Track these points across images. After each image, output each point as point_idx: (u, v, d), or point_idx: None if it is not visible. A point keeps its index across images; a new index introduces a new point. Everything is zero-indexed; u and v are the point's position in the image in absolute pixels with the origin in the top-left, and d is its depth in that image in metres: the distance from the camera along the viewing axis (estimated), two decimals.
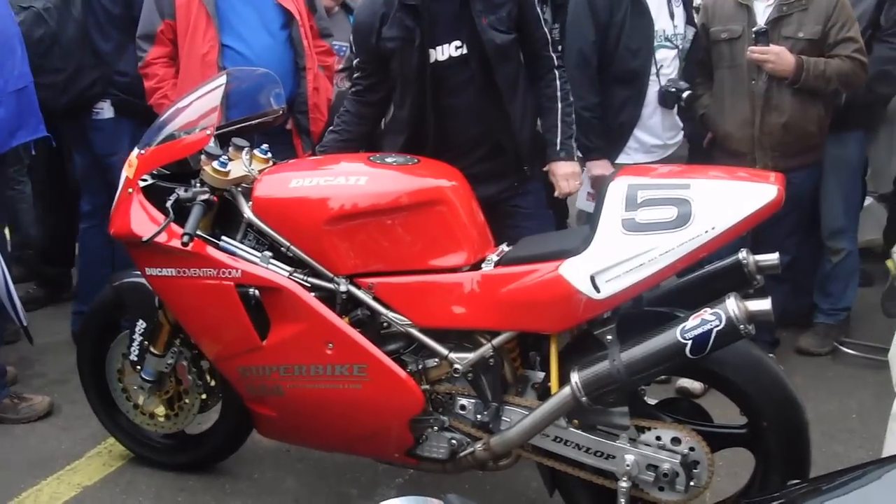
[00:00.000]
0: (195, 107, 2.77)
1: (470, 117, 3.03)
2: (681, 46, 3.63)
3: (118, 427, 3.19)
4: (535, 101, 3.16)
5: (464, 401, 2.58)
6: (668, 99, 3.56)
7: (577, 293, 2.27)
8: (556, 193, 3.13)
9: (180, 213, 2.57)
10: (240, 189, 2.66)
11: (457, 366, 2.50)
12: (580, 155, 3.31)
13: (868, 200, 4.31)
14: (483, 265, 2.50)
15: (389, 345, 2.58)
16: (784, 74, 3.50)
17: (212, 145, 2.63)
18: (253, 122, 2.97)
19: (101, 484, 3.09)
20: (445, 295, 2.49)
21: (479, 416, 2.55)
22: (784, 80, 3.52)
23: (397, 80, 3.03)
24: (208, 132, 2.64)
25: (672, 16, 3.59)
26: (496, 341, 2.48)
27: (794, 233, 3.79)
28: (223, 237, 2.63)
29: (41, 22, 3.72)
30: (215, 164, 2.59)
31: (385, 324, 2.55)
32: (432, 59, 2.95)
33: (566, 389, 2.33)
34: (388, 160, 2.64)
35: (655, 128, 3.62)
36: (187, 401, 3.01)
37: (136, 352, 2.92)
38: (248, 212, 2.61)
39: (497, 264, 2.49)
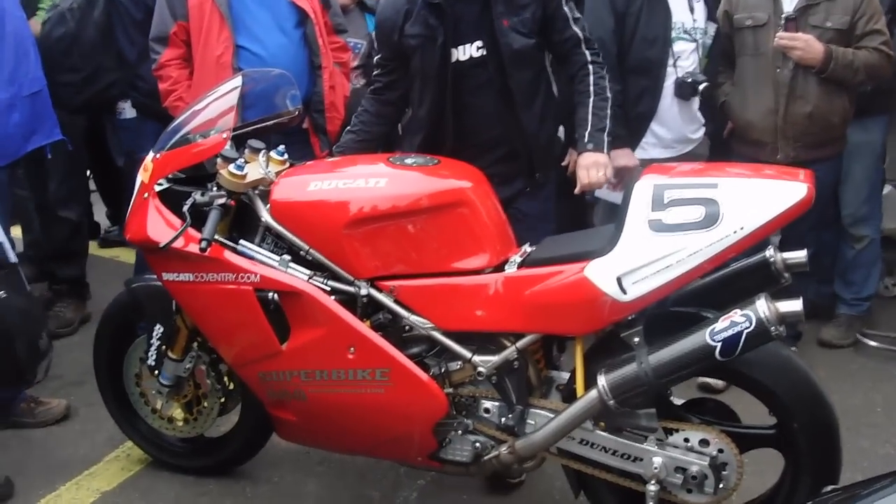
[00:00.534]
0: (211, 109, 2.73)
1: (488, 118, 2.98)
2: (700, 41, 3.56)
3: (136, 431, 3.17)
4: (559, 107, 3.10)
5: (487, 404, 2.55)
6: (684, 89, 3.50)
7: (604, 295, 2.23)
8: (576, 189, 2.91)
9: (197, 217, 2.53)
10: (257, 192, 2.62)
11: (481, 369, 2.47)
12: None
13: (887, 189, 4.25)
14: (506, 267, 2.46)
15: (411, 348, 2.55)
16: (812, 63, 3.44)
17: (228, 148, 2.59)
18: (268, 123, 2.93)
19: (120, 489, 3.07)
20: (468, 297, 2.45)
21: (503, 420, 2.51)
22: (811, 68, 3.47)
23: (417, 79, 2.99)
24: (224, 136, 2.60)
25: (692, 10, 3.53)
26: (520, 344, 2.44)
27: (816, 226, 3.74)
28: (241, 241, 2.59)
29: (63, 21, 3.80)
30: (232, 167, 2.55)
31: (407, 327, 2.52)
32: (454, 59, 2.91)
33: (593, 392, 2.30)
34: (408, 161, 2.60)
35: (673, 121, 3.55)
36: (206, 405, 2.98)
37: (154, 356, 2.90)
38: (265, 215, 2.57)
39: (521, 266, 2.45)
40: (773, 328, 2.11)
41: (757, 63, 3.61)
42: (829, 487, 1.95)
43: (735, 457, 2.35)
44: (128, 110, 4.02)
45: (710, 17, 3.65)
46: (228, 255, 2.56)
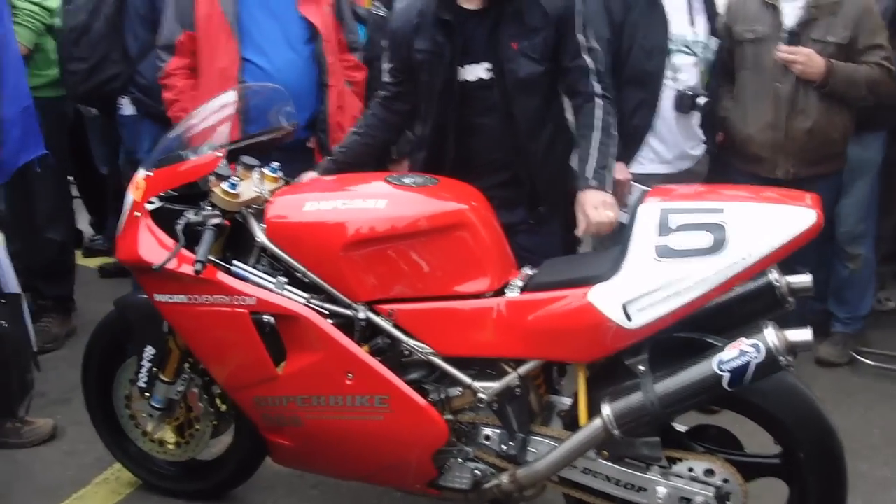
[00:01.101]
0: (204, 124, 2.68)
1: (492, 142, 2.90)
2: (701, 55, 3.51)
3: (126, 454, 3.09)
4: (569, 139, 3.03)
5: (488, 431, 2.49)
6: (683, 102, 3.44)
7: (608, 322, 2.18)
8: (579, 230, 2.69)
9: (190, 237, 2.47)
10: (251, 211, 2.56)
11: (481, 395, 2.42)
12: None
13: None
14: (507, 290, 2.41)
15: (410, 374, 2.49)
16: (813, 77, 3.42)
17: (221, 165, 2.53)
18: (262, 138, 2.86)
19: None
20: (469, 322, 2.40)
21: (504, 447, 2.46)
22: (812, 83, 3.44)
23: (423, 94, 2.92)
24: (218, 154, 2.54)
25: (692, 23, 3.47)
26: (522, 370, 2.39)
27: (817, 247, 3.71)
28: (235, 262, 2.53)
29: (78, 13, 4.02)
30: (225, 185, 2.49)
31: (406, 352, 2.46)
32: (461, 78, 2.84)
33: (597, 421, 2.25)
34: (407, 181, 2.54)
35: (672, 137, 3.50)
36: (198, 428, 2.91)
37: (145, 378, 2.82)
38: (261, 236, 2.51)
39: (522, 290, 2.40)
40: (782, 358, 2.07)
41: (757, 77, 3.57)
42: None
43: (740, 487, 2.31)
44: (126, 106, 4.13)
45: (712, 32, 3.59)
46: (223, 277, 2.49)
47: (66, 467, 3.27)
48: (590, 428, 2.28)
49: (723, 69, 3.72)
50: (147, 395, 2.85)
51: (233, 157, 2.66)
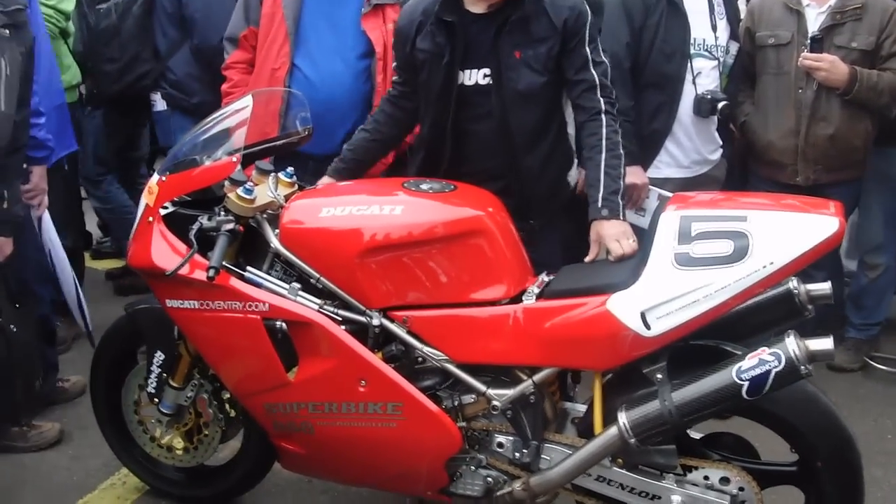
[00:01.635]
0: (219, 129, 2.65)
1: (485, 150, 2.84)
2: (722, 59, 3.49)
3: (133, 459, 3.07)
4: (570, 154, 3.00)
5: (501, 438, 2.48)
6: (703, 106, 3.41)
7: (627, 330, 2.17)
8: (589, 258, 2.62)
9: (204, 242, 2.45)
10: (265, 216, 2.54)
11: (495, 403, 2.40)
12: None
13: None
14: (524, 297, 2.40)
15: (424, 381, 2.47)
16: (836, 84, 3.40)
17: (237, 171, 2.51)
18: (277, 143, 2.84)
19: None
20: (484, 329, 2.38)
21: (517, 455, 2.45)
22: (835, 90, 3.42)
23: (423, 95, 2.88)
24: (234, 159, 2.52)
25: (714, 28, 3.45)
26: (537, 378, 2.38)
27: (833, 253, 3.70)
28: (248, 268, 2.51)
29: (109, 15, 4.19)
30: (240, 190, 2.47)
31: (420, 359, 2.44)
32: (460, 81, 2.79)
33: (613, 430, 2.23)
34: (424, 187, 2.52)
35: (690, 141, 3.48)
36: (207, 433, 2.89)
37: (154, 384, 2.80)
38: (275, 241, 2.49)
39: (539, 297, 2.38)
40: (802, 367, 2.05)
41: (779, 83, 3.56)
42: None
43: (756, 495, 2.29)
44: (159, 102, 4.31)
45: (733, 36, 3.57)
46: (236, 283, 2.47)
47: (72, 472, 3.25)
48: (605, 436, 2.26)
49: (744, 74, 3.70)
50: (156, 400, 2.83)
51: (244, 161, 2.63)
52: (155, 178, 2.65)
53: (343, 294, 2.44)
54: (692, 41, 3.40)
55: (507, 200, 2.72)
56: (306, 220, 2.49)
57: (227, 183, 2.51)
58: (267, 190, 2.55)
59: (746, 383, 2.08)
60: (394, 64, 3.03)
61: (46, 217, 3.50)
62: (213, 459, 3.00)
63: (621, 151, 2.68)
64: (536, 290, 2.40)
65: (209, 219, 2.47)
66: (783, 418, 2.26)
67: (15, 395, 2.93)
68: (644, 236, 2.34)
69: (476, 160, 2.86)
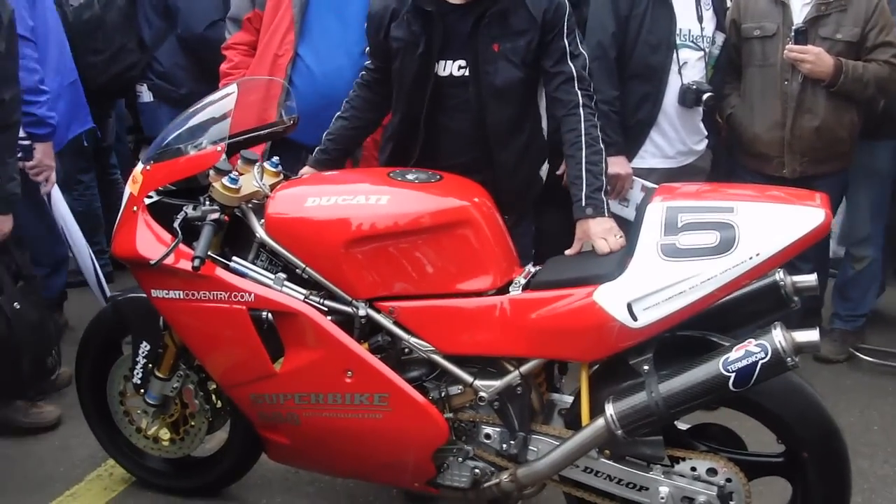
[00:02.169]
0: (204, 118, 2.63)
1: (459, 143, 2.80)
2: (708, 50, 3.48)
3: (120, 450, 3.05)
4: (544, 149, 2.97)
5: (488, 429, 2.47)
6: (687, 96, 3.40)
7: (613, 321, 2.17)
8: (572, 251, 2.60)
9: (189, 232, 2.43)
10: (250, 206, 2.53)
11: (482, 394, 2.40)
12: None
13: None
14: (510, 288, 2.39)
15: (410, 372, 2.47)
16: (822, 76, 3.40)
17: (222, 160, 2.49)
18: (262, 133, 2.82)
19: None
20: (471, 320, 2.37)
21: (504, 446, 2.44)
22: (820, 82, 3.42)
23: (396, 83, 2.82)
24: (219, 148, 2.50)
25: (700, 18, 3.43)
26: (524, 369, 2.37)
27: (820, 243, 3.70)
28: (234, 258, 2.49)
29: (91, 6, 4.11)
30: (225, 180, 2.45)
31: (406, 350, 2.44)
32: (435, 72, 2.73)
33: (600, 421, 2.23)
34: (410, 177, 2.51)
35: (675, 131, 3.47)
36: (193, 424, 2.87)
37: (140, 375, 2.78)
38: (260, 231, 2.48)
39: (525, 288, 2.38)
40: (788, 359, 2.05)
41: (764, 75, 3.55)
42: None
43: (743, 486, 2.29)
44: (145, 93, 4.29)
45: (720, 27, 3.57)
46: (221, 273, 2.46)
47: (58, 463, 3.23)
48: (592, 428, 2.26)
49: (730, 66, 3.70)
50: (142, 391, 2.82)
51: (232, 151, 2.62)
52: (139, 167, 2.63)
53: (329, 284, 2.43)
54: (678, 32, 3.39)
55: None
56: (292, 210, 2.47)
57: (212, 172, 2.49)
58: (252, 179, 2.54)
59: (733, 375, 2.08)
60: (366, 49, 2.99)
61: (56, 192, 3.51)
62: (199, 451, 2.98)
63: (601, 146, 2.62)
64: (523, 281, 2.40)
65: (194, 208, 2.46)
66: (769, 409, 2.26)
67: (21, 372, 2.89)
68: (630, 228, 2.33)
69: (449, 154, 2.81)
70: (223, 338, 2.51)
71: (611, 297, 2.17)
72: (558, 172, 3.34)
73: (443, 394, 2.45)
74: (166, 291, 2.53)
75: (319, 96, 3.18)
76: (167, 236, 2.50)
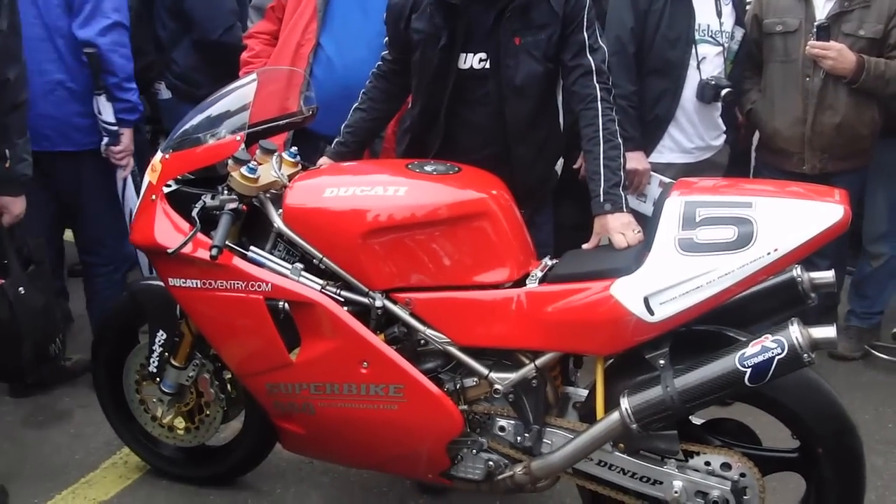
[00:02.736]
0: (223, 107, 2.63)
1: (478, 136, 2.79)
2: (727, 45, 3.47)
3: (135, 438, 3.07)
4: (561, 144, 2.97)
5: (503, 422, 2.47)
6: (706, 92, 3.39)
7: (630, 315, 2.16)
8: (589, 245, 2.61)
9: (207, 221, 2.44)
10: (268, 196, 2.53)
11: (497, 386, 2.40)
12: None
13: None
14: (527, 281, 2.39)
15: (426, 363, 2.47)
16: (844, 73, 3.39)
17: (240, 150, 2.50)
18: (280, 123, 2.83)
19: (118, 499, 2.98)
20: (487, 312, 2.37)
21: (518, 439, 2.45)
22: (842, 78, 3.40)
23: (415, 75, 2.82)
24: (238, 137, 2.51)
25: (719, 14, 3.43)
26: (539, 362, 2.37)
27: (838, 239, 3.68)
28: (252, 247, 2.50)
29: None
30: (244, 169, 2.45)
31: (422, 341, 2.44)
32: (458, 64, 2.73)
33: (615, 415, 2.23)
34: (428, 168, 2.51)
35: (693, 127, 3.47)
36: (208, 413, 2.89)
37: (156, 363, 2.80)
38: (278, 221, 2.48)
39: (542, 281, 2.37)
40: (805, 355, 2.04)
41: (786, 70, 3.54)
42: None
43: (757, 481, 2.29)
44: (163, 91, 4.24)
45: (739, 22, 3.56)
46: (238, 262, 2.46)
47: (73, 451, 3.26)
48: (607, 421, 2.26)
49: (750, 61, 3.69)
50: (158, 379, 2.84)
51: (251, 141, 2.63)
52: (158, 155, 2.64)
53: (346, 275, 2.43)
54: (697, 27, 3.38)
55: None
56: (310, 200, 2.48)
57: (230, 162, 2.50)
58: (270, 169, 2.54)
59: (749, 370, 2.07)
60: (385, 41, 3.00)
61: (130, 180, 3.53)
62: (214, 440, 3.01)
63: (619, 140, 2.61)
64: (539, 274, 2.39)
65: (212, 197, 2.46)
66: (784, 405, 2.26)
67: (21, 358, 2.90)
68: (648, 222, 2.33)
69: (467, 147, 2.80)
70: (239, 327, 2.52)
71: (628, 291, 2.17)
72: (575, 166, 3.34)
73: (458, 386, 2.45)
74: (183, 280, 2.53)
75: (339, 87, 3.18)
76: (185, 225, 2.51)
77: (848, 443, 2.26)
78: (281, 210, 2.50)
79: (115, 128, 3.38)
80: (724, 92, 3.37)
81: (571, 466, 2.40)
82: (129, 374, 2.98)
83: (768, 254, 2.07)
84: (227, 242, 2.40)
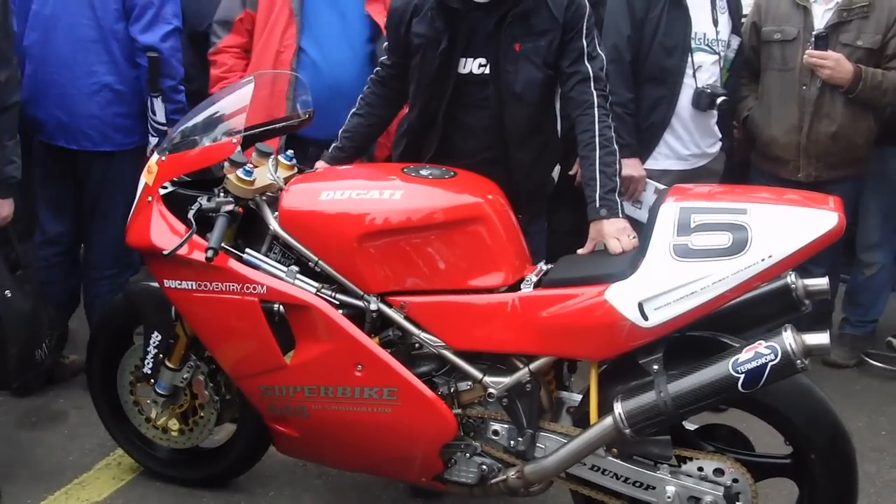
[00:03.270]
0: (219, 110, 2.64)
1: (477, 141, 2.80)
2: (723, 54, 3.48)
3: (129, 440, 3.06)
4: (558, 150, 2.98)
5: (496, 426, 2.48)
6: (702, 100, 3.40)
7: (624, 320, 2.17)
8: (584, 250, 2.61)
9: (202, 222, 2.45)
10: (264, 198, 2.54)
11: (491, 390, 2.41)
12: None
13: None
14: (522, 286, 2.40)
15: (420, 366, 2.48)
16: (841, 83, 3.41)
17: (237, 152, 2.50)
18: (277, 126, 2.83)
19: (111, 500, 2.97)
20: (482, 317, 2.38)
21: (512, 443, 2.45)
22: (839, 88, 3.42)
23: (414, 79, 2.82)
24: (234, 140, 2.51)
25: (716, 22, 3.44)
26: (534, 366, 2.38)
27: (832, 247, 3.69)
28: (247, 250, 2.51)
29: None
30: (240, 172, 2.46)
31: (417, 345, 2.45)
32: (454, 70, 2.74)
33: (608, 420, 2.23)
34: (424, 172, 2.52)
35: (689, 134, 3.47)
36: (203, 415, 2.89)
37: (151, 364, 2.79)
38: (274, 224, 2.49)
39: (537, 285, 2.38)
40: (798, 361, 2.05)
41: (783, 78, 3.57)
42: None
43: (750, 487, 2.30)
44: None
45: (735, 30, 3.57)
46: (234, 265, 2.47)
47: (67, 452, 3.25)
48: (601, 426, 2.26)
49: (748, 68, 3.71)
50: (152, 381, 2.84)
51: (246, 143, 2.63)
52: (154, 157, 2.65)
53: (341, 278, 2.44)
54: (693, 35, 3.39)
55: None
56: (305, 203, 2.49)
57: (226, 164, 2.50)
58: (267, 172, 2.55)
59: (742, 376, 2.08)
60: (385, 45, 3.00)
61: None
62: (208, 441, 3.00)
63: (615, 147, 2.62)
64: (534, 279, 2.40)
65: (208, 199, 2.47)
66: (777, 410, 2.27)
67: (6, 364, 2.88)
68: (643, 228, 2.34)
69: (465, 151, 2.80)
70: (234, 329, 2.52)
71: (622, 297, 2.18)
72: (570, 172, 3.35)
73: (452, 389, 2.46)
74: (179, 282, 2.54)
75: (327, 89, 3.18)
76: (181, 227, 2.51)
77: (841, 449, 2.27)
78: (277, 213, 2.50)
79: (166, 128, 3.39)
80: (719, 100, 3.38)
81: (565, 471, 2.40)
82: (123, 376, 2.97)
83: (762, 260, 2.08)
84: (222, 245, 2.41)
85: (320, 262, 2.45)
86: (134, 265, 3.79)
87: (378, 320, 2.45)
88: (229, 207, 2.43)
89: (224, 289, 2.48)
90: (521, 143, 2.81)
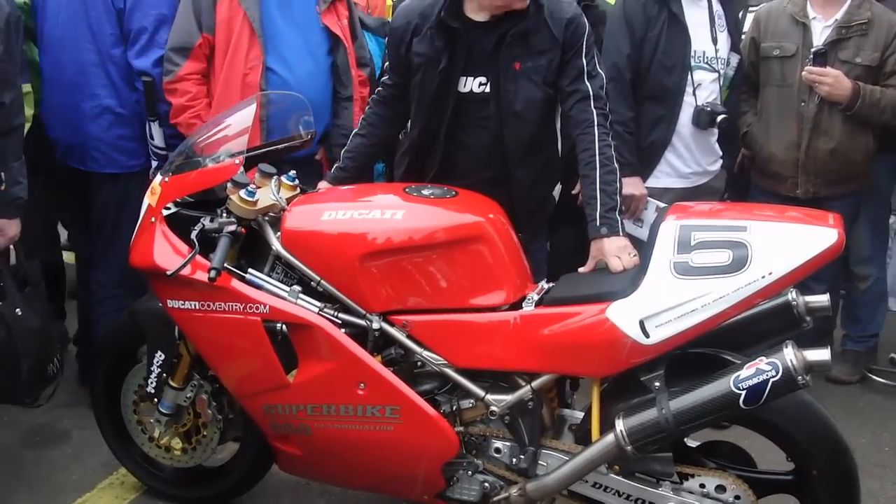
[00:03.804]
0: (222, 131, 2.66)
1: (478, 160, 2.82)
2: (722, 72, 3.51)
3: (132, 459, 3.07)
4: (559, 169, 3.00)
5: (499, 443, 2.49)
6: (702, 118, 3.42)
7: (625, 337, 2.18)
8: (585, 269, 2.62)
9: (205, 243, 2.46)
10: (267, 219, 2.55)
11: (494, 408, 2.42)
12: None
13: None
14: (524, 304, 2.41)
15: (423, 385, 2.49)
16: (839, 100, 3.42)
17: (239, 173, 2.52)
18: (279, 147, 2.85)
19: None
20: (484, 335, 2.39)
21: (514, 460, 2.46)
22: (837, 105, 3.44)
23: (415, 98, 2.84)
24: (237, 161, 2.54)
25: (715, 40, 3.46)
26: (536, 384, 2.39)
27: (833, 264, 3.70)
28: (250, 270, 2.52)
29: None
30: (242, 192, 2.48)
31: (419, 363, 2.46)
32: (454, 89, 2.76)
33: (610, 437, 2.24)
34: (425, 192, 2.54)
35: (689, 152, 3.49)
36: (206, 434, 2.89)
37: (154, 383, 2.80)
38: (276, 244, 2.50)
39: (538, 304, 2.39)
40: (799, 377, 2.06)
41: (782, 95, 3.58)
42: None
43: (752, 503, 2.30)
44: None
45: (734, 48, 3.59)
46: (237, 285, 2.48)
47: (70, 471, 3.25)
48: (602, 443, 2.27)
49: (747, 83, 3.72)
50: (155, 400, 2.84)
51: (248, 164, 2.65)
52: (158, 178, 2.67)
53: (343, 297, 2.45)
54: (693, 53, 3.41)
55: None
56: (308, 224, 2.50)
57: (229, 185, 2.52)
58: (269, 192, 2.57)
59: (744, 392, 2.09)
60: (386, 65, 3.01)
61: None
62: (211, 460, 3.00)
63: (615, 165, 2.63)
64: (536, 297, 2.42)
65: (211, 220, 2.49)
66: (780, 427, 2.28)
67: (19, 379, 2.90)
68: (644, 247, 2.35)
69: (466, 172, 2.82)
70: (237, 348, 2.54)
71: (623, 314, 2.19)
72: (573, 192, 3.36)
73: (454, 407, 2.47)
74: (182, 302, 2.55)
75: None
76: (184, 247, 2.53)
77: (842, 465, 2.28)
78: (279, 233, 2.52)
79: (165, 152, 3.39)
80: (719, 118, 3.41)
81: (567, 488, 2.41)
82: (127, 395, 2.98)
83: (763, 277, 2.09)
84: (225, 265, 2.42)
85: (323, 281, 2.46)
86: (142, 286, 3.79)
87: (380, 339, 2.46)
88: (232, 228, 2.45)
89: (227, 309, 2.49)
90: (522, 162, 2.82)
